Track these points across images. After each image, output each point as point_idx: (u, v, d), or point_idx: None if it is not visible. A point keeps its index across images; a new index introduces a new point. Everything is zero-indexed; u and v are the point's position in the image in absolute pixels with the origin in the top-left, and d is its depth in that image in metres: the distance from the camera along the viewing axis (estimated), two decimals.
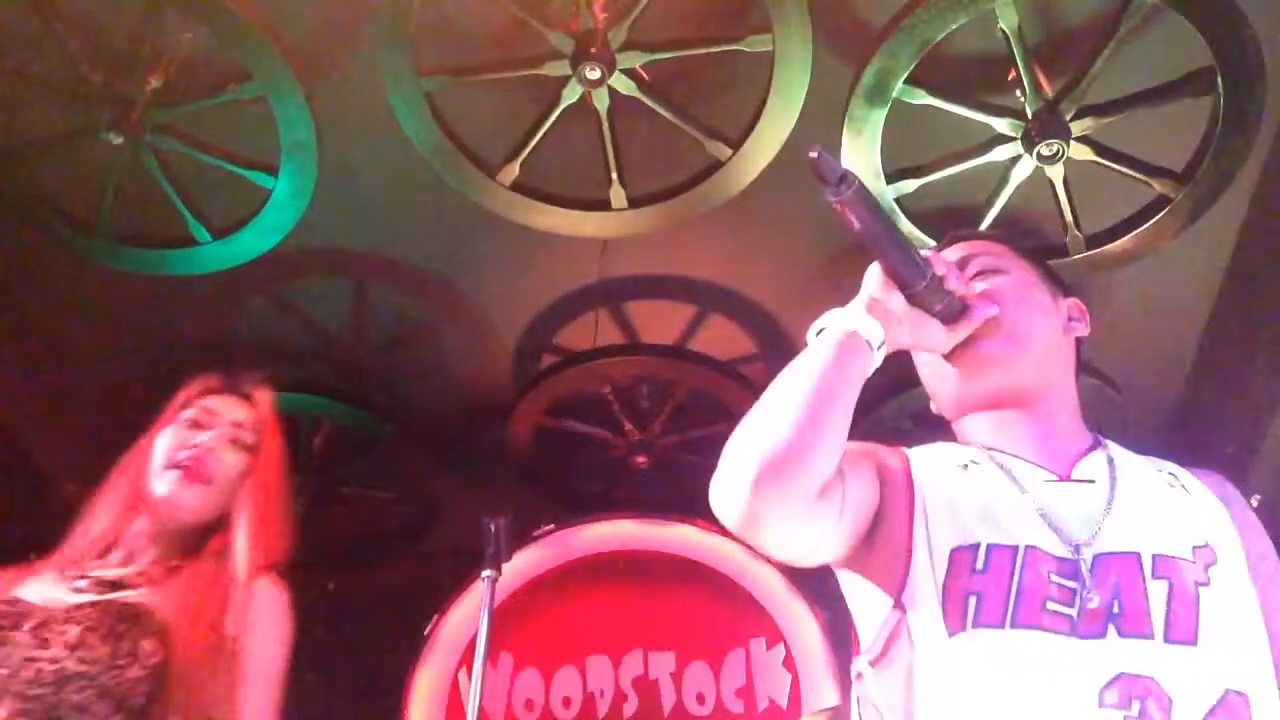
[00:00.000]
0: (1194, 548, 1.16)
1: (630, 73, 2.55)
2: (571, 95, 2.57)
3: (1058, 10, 2.64)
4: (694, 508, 3.87)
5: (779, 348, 3.66)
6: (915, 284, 1.20)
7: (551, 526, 3.78)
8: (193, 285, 3.12)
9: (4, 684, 1.44)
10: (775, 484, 1.07)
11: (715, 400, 3.54)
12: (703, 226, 2.98)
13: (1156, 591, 1.11)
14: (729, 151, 2.67)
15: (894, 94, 2.48)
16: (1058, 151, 2.51)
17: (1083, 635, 1.08)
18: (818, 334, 1.23)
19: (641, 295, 3.54)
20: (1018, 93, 2.52)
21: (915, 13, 2.36)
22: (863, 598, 1.22)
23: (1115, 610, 1.09)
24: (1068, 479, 1.23)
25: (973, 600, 1.10)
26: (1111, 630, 1.08)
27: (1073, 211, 2.70)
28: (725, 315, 3.58)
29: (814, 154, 1.17)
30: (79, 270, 3.06)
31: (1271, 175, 2.91)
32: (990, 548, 1.13)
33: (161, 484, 1.69)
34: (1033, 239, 2.95)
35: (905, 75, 2.45)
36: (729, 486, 1.11)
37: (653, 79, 2.60)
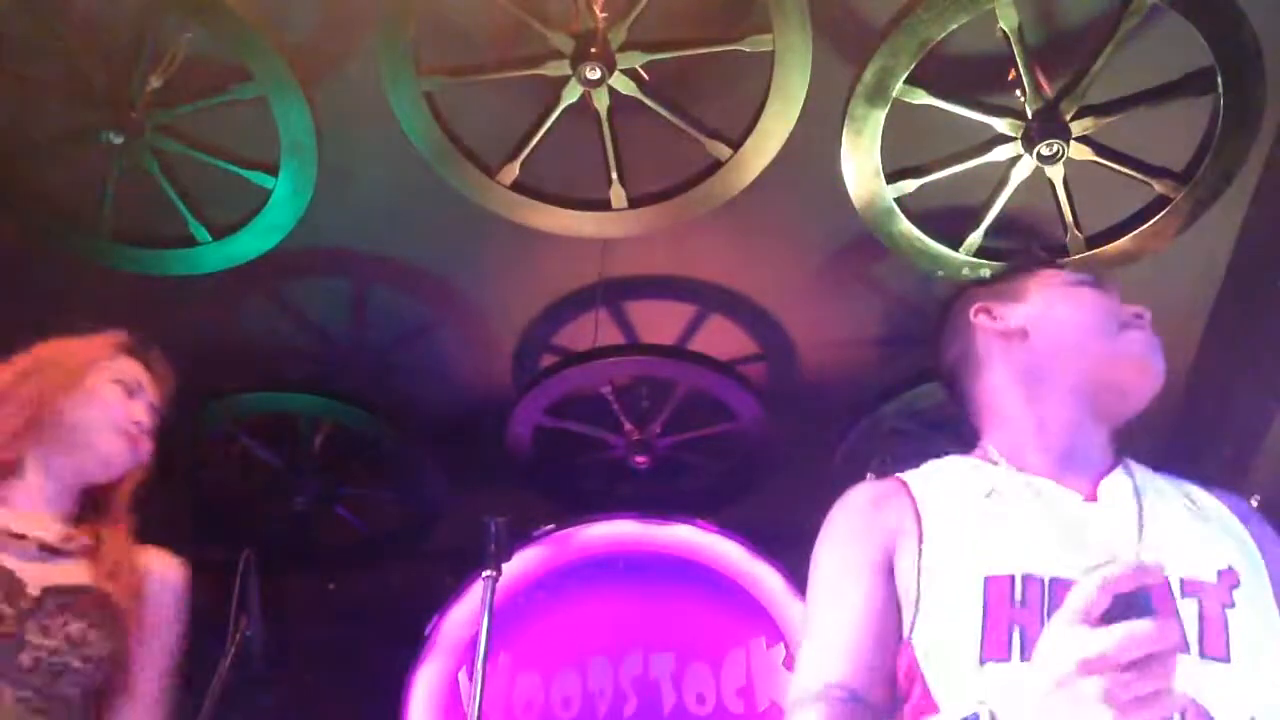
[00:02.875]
0: (1218, 571, 1.16)
1: (630, 73, 2.55)
2: (571, 95, 2.57)
3: (1058, 10, 2.64)
4: (694, 508, 3.87)
5: (779, 348, 3.66)
6: None
7: (551, 526, 3.77)
8: (193, 285, 3.12)
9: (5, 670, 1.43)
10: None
11: (715, 400, 3.54)
12: (703, 226, 2.98)
13: (1188, 609, 1.11)
14: (729, 151, 2.67)
15: (894, 94, 2.48)
16: (1058, 151, 2.51)
17: None
18: None
19: (641, 295, 3.54)
20: (1018, 93, 2.52)
21: (915, 12, 2.36)
22: None
23: None
24: (1093, 499, 1.23)
25: (1017, 632, 1.09)
26: None
27: (1073, 211, 2.70)
28: (725, 315, 3.58)
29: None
30: (79, 270, 3.06)
31: (1271, 175, 2.91)
32: (1025, 578, 1.13)
33: (108, 442, 1.69)
34: (1033, 239, 2.95)
35: (905, 75, 2.45)
36: None
37: (653, 79, 2.60)
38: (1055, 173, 2.60)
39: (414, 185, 2.94)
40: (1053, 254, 2.82)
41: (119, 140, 2.59)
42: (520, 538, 3.28)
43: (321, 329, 3.61)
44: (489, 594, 2.40)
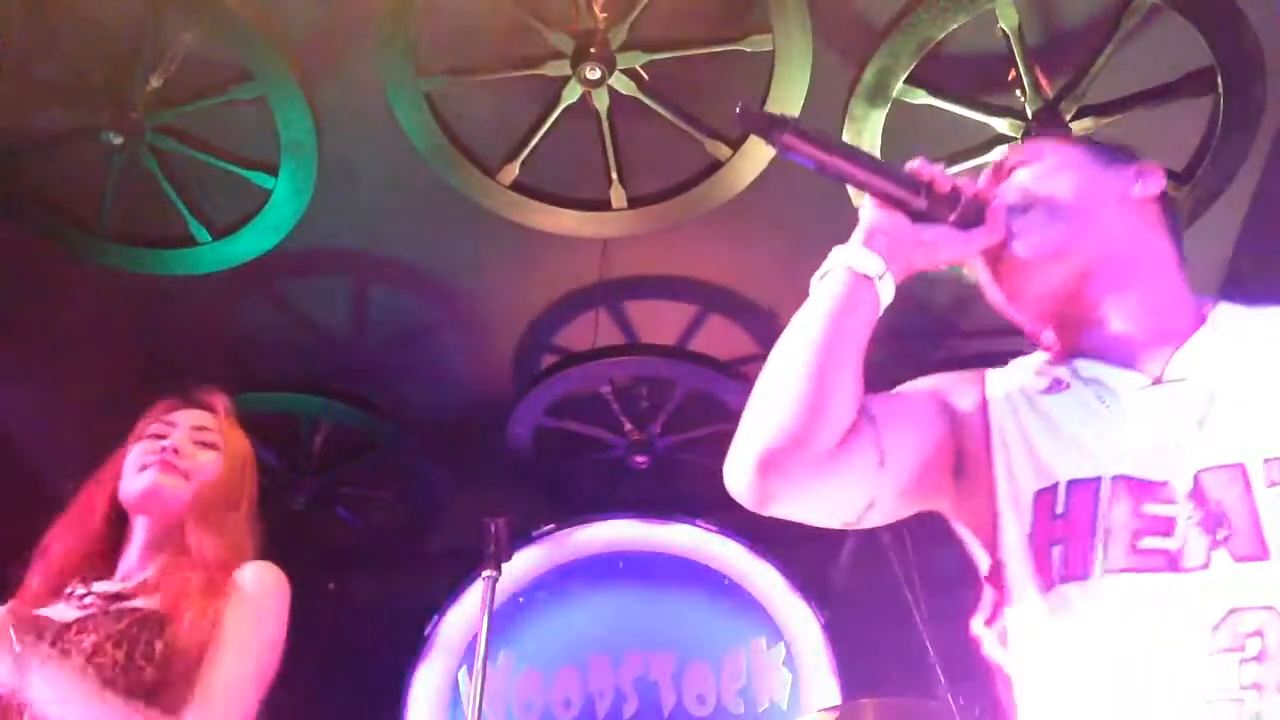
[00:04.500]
0: None
1: (630, 73, 2.55)
2: (571, 95, 2.57)
3: (1058, 10, 2.64)
4: (694, 508, 3.87)
5: None
6: (911, 200, 1.10)
7: (551, 526, 3.78)
8: (193, 285, 3.12)
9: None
10: (778, 459, 1.01)
11: (715, 400, 3.53)
12: (703, 226, 2.98)
13: (1270, 503, 0.93)
14: (729, 151, 2.67)
15: (894, 94, 2.48)
16: None
17: (1184, 569, 0.92)
18: (821, 278, 1.12)
19: (641, 295, 3.54)
20: (1018, 93, 2.52)
21: (915, 12, 2.36)
22: (973, 549, 1.10)
23: (1221, 534, 0.93)
24: (1161, 380, 1.04)
25: (1056, 551, 0.97)
26: (1218, 558, 0.92)
27: None
28: (725, 315, 3.58)
29: (738, 109, 1.12)
30: (79, 270, 3.06)
31: (1271, 175, 2.91)
32: (1070, 485, 0.99)
33: (139, 481, 1.74)
34: None
35: (905, 75, 2.46)
36: (735, 470, 1.05)
37: (653, 79, 2.60)
38: None
39: (414, 185, 2.94)
40: None
41: (119, 140, 2.59)
42: (520, 538, 3.28)
43: (321, 329, 3.61)
44: (489, 594, 2.40)
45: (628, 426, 3.67)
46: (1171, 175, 2.63)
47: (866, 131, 2.54)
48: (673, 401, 3.58)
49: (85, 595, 1.64)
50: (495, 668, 3.64)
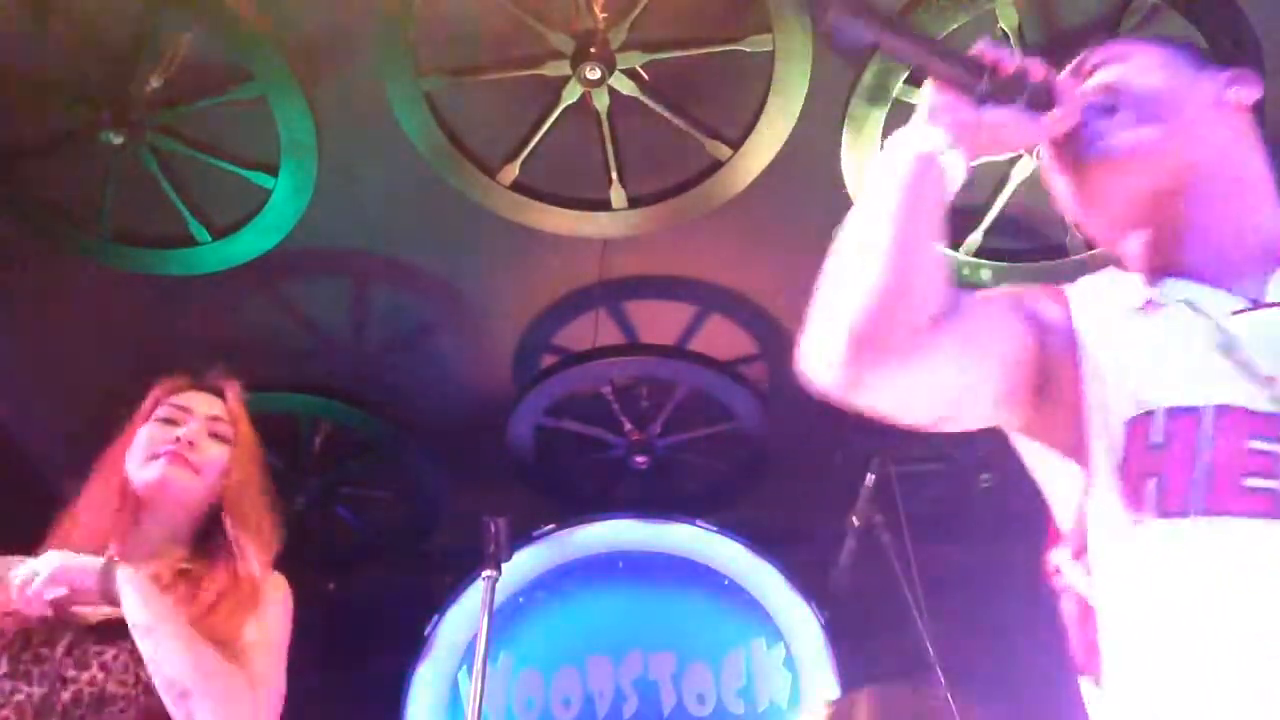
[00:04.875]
0: None
1: (630, 73, 2.55)
2: (571, 95, 2.57)
3: (1058, 10, 2.64)
4: (694, 508, 3.87)
5: (779, 348, 3.66)
6: (974, 83, 1.04)
7: (551, 526, 3.78)
8: (193, 285, 3.12)
9: (45, 703, 1.45)
10: (870, 333, 0.94)
11: (715, 400, 3.53)
12: (703, 226, 2.98)
13: None
14: (729, 151, 2.67)
15: (894, 94, 2.48)
16: None
17: None
18: (882, 166, 1.05)
19: (641, 295, 3.54)
20: None
21: (915, 12, 2.36)
22: (1051, 475, 1.03)
23: None
24: (1263, 303, 0.96)
25: (1151, 485, 0.89)
26: None
27: None
28: (725, 315, 3.58)
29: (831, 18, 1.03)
30: (79, 270, 3.06)
31: (1271, 175, 2.91)
32: (1169, 413, 0.90)
33: (147, 471, 1.71)
34: (1033, 239, 2.95)
35: (905, 75, 2.46)
36: (823, 350, 0.98)
37: (653, 79, 2.60)
38: None
39: (414, 185, 2.94)
40: (1053, 254, 2.83)
41: (119, 140, 2.59)
42: (520, 538, 3.28)
43: (321, 329, 3.61)
44: (489, 594, 2.40)
45: (628, 426, 3.67)
46: None
47: (866, 131, 2.54)
48: (673, 401, 3.58)
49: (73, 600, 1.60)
50: (495, 668, 3.64)
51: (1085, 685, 0.97)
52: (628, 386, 3.68)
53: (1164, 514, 0.87)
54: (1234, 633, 0.83)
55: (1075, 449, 0.98)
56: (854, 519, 3.22)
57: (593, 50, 2.46)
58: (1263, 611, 0.83)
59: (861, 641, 3.49)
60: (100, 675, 1.47)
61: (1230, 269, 1.00)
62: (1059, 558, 1.00)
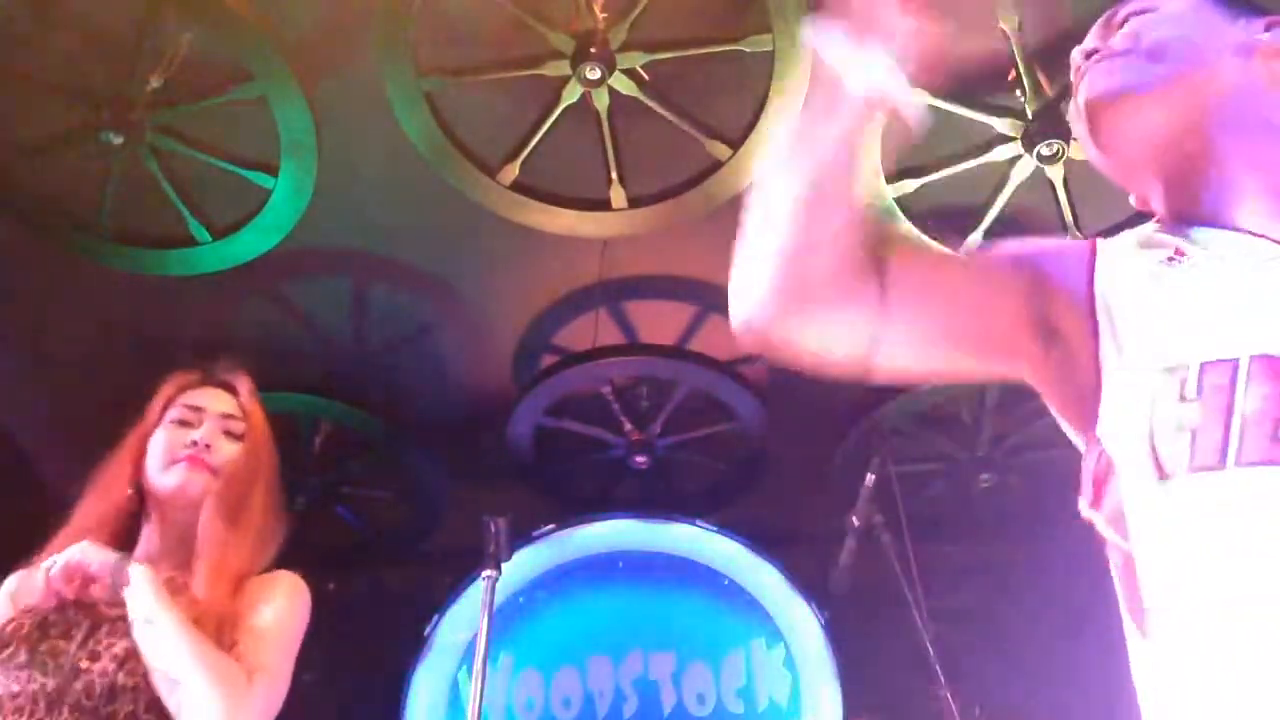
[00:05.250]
0: None
1: (630, 73, 2.55)
2: (571, 95, 2.57)
3: (1058, 10, 2.64)
4: (694, 508, 3.87)
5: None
6: None
7: (551, 526, 3.78)
8: (193, 285, 3.12)
9: (58, 693, 1.47)
10: (786, 288, 0.99)
11: (715, 400, 3.54)
12: (703, 226, 2.97)
13: None
14: (729, 151, 2.67)
15: None
16: (1058, 151, 2.51)
17: None
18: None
19: (641, 295, 3.54)
20: (1018, 93, 2.52)
21: None
22: (1066, 425, 1.03)
23: None
24: None
25: (1185, 438, 0.86)
26: None
27: (1073, 211, 2.70)
28: (725, 315, 3.55)
29: None
30: (79, 270, 3.06)
31: None
32: (1204, 366, 0.87)
33: (169, 478, 1.71)
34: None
35: None
36: (738, 306, 1.04)
37: (653, 79, 2.60)
38: (1055, 173, 2.60)
39: (414, 185, 2.94)
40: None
41: (119, 140, 2.59)
42: (520, 538, 3.28)
43: (321, 329, 3.61)
44: (489, 594, 2.41)
45: (628, 426, 3.67)
46: None
47: (866, 131, 2.54)
48: (673, 401, 3.58)
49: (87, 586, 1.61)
50: (495, 668, 3.64)
51: (1131, 633, 0.95)
52: (628, 386, 3.68)
53: (1197, 469, 0.85)
54: (1273, 581, 0.81)
55: (1084, 410, 0.97)
56: (854, 519, 3.22)
57: (593, 50, 2.46)
58: None
59: (861, 641, 3.49)
60: (112, 667, 1.49)
61: (1261, 214, 0.97)
62: (1083, 508, 0.99)
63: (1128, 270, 1.00)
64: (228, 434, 1.78)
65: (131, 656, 1.50)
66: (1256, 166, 1.01)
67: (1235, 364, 0.85)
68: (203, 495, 1.71)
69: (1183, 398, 0.87)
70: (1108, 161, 1.11)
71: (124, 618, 1.53)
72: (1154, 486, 0.87)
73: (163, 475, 1.71)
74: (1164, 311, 0.93)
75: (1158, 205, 1.09)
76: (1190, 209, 1.03)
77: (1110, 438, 0.92)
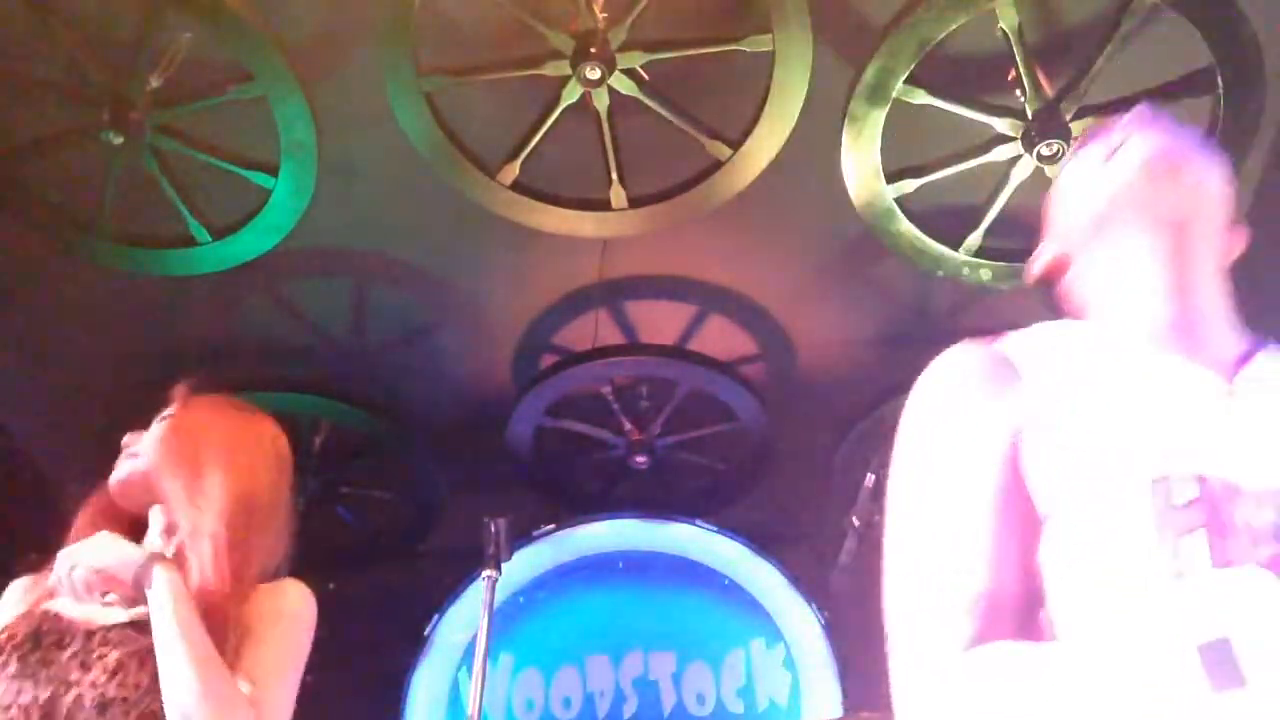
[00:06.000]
0: None
1: (630, 73, 2.55)
2: (571, 95, 2.57)
3: (1058, 10, 2.64)
4: (694, 508, 3.87)
5: (779, 348, 3.66)
6: None
7: (551, 526, 3.78)
8: (193, 285, 3.12)
9: (50, 705, 1.45)
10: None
11: (715, 400, 3.54)
12: (703, 226, 2.98)
13: None
14: (729, 151, 2.67)
15: (894, 94, 2.48)
16: (1058, 151, 2.51)
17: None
18: None
19: (641, 295, 3.54)
20: (1018, 93, 2.52)
21: (915, 12, 2.36)
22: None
23: None
24: (1232, 390, 1.02)
25: (1186, 540, 0.90)
26: None
27: None
28: (725, 315, 3.58)
29: None
30: (79, 270, 3.06)
31: (1271, 175, 2.91)
32: (1184, 478, 0.92)
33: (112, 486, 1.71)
34: (1033, 239, 2.95)
35: (905, 75, 2.45)
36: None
37: (653, 79, 2.60)
38: (1055, 173, 2.59)
39: (414, 185, 2.94)
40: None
41: (119, 140, 2.58)
42: (520, 538, 3.28)
43: (321, 329, 3.61)
44: (489, 594, 2.41)
45: (628, 426, 3.67)
46: None
47: (866, 131, 2.54)
48: (673, 401, 3.58)
49: (108, 592, 1.59)
50: (495, 668, 3.64)
51: None
52: (628, 386, 3.68)
53: (1182, 571, 0.88)
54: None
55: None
56: (854, 519, 3.22)
57: (593, 50, 2.46)
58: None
59: (862, 641, 3.49)
60: (102, 678, 1.47)
61: (1203, 354, 1.04)
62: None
63: (1076, 381, 1.03)
64: (159, 421, 1.76)
65: (123, 668, 1.47)
66: (1206, 298, 1.11)
67: (1202, 480, 0.91)
68: (131, 474, 1.69)
69: (1171, 504, 0.90)
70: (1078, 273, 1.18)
71: (120, 625, 1.51)
72: (1143, 588, 0.89)
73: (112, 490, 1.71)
74: (1123, 423, 0.97)
75: (1121, 319, 1.13)
76: (1147, 331, 1.09)
77: (1064, 549, 0.95)
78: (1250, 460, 0.93)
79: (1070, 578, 0.96)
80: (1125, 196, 1.11)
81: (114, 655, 1.48)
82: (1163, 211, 1.09)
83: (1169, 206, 1.09)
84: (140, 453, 1.72)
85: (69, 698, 1.45)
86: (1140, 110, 1.15)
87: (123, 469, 1.71)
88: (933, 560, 1.02)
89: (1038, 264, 1.23)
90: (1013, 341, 1.10)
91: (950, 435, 1.06)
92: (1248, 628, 0.81)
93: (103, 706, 1.45)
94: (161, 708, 1.45)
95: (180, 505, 1.63)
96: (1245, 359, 1.06)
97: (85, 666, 1.48)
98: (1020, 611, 0.98)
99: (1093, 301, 1.16)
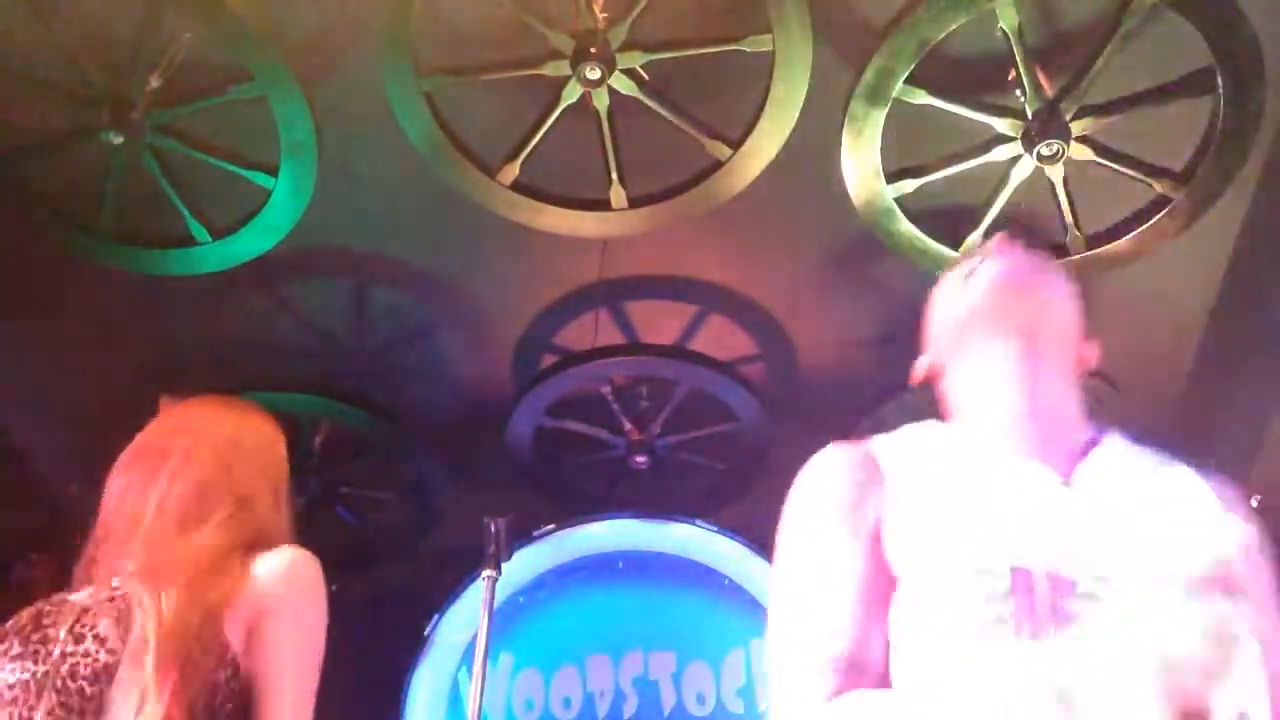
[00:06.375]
0: (1216, 560, 1.06)
1: (630, 73, 2.55)
2: (571, 95, 2.57)
3: (1058, 10, 2.64)
4: (694, 508, 3.87)
5: (779, 348, 3.66)
6: None
7: (551, 526, 3.78)
8: (193, 285, 3.12)
9: (46, 679, 1.48)
10: None
11: (715, 400, 3.54)
12: (703, 226, 2.98)
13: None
14: (729, 151, 2.67)
15: (894, 94, 2.48)
16: (1058, 151, 2.51)
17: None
18: None
19: (641, 295, 3.54)
20: (1018, 93, 2.52)
21: (915, 13, 2.36)
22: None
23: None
24: (1069, 482, 1.15)
25: (1003, 622, 1.06)
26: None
27: (1073, 211, 2.70)
28: (725, 315, 3.58)
29: None
30: (79, 270, 3.06)
31: (1271, 175, 2.91)
32: (1008, 568, 1.07)
33: None
34: (1033, 239, 2.95)
35: (905, 75, 2.45)
36: None
37: (653, 79, 2.60)
38: (1055, 173, 2.60)
39: (414, 185, 2.94)
40: (1053, 254, 2.83)
41: (119, 140, 2.59)
42: (520, 538, 3.28)
43: (321, 329, 3.61)
44: (489, 594, 2.40)
45: (628, 426, 3.67)
46: (1171, 175, 2.63)
47: (866, 131, 2.54)
48: (673, 401, 3.58)
49: (114, 575, 1.62)
50: (495, 668, 3.64)
51: None
52: (628, 386, 3.68)
53: (1016, 639, 1.03)
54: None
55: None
56: None
57: (593, 50, 2.46)
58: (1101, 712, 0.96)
59: None
60: (94, 647, 1.50)
61: (1042, 450, 1.18)
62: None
63: (928, 477, 1.18)
64: None
65: (110, 635, 1.50)
66: (1049, 408, 1.22)
67: (1028, 572, 1.06)
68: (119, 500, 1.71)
69: (994, 591, 1.06)
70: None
71: (112, 599, 1.55)
72: (971, 655, 1.04)
73: None
74: (964, 517, 1.12)
75: (971, 416, 1.27)
76: (993, 430, 1.23)
77: (907, 618, 1.10)
78: (1074, 549, 1.08)
79: (907, 642, 1.11)
80: (980, 310, 1.26)
81: (103, 623, 1.52)
82: (1012, 323, 1.23)
83: (1017, 318, 1.23)
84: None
85: (65, 668, 1.48)
86: (1000, 236, 1.34)
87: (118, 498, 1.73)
88: (804, 626, 1.18)
89: (917, 371, 1.37)
90: (879, 442, 1.25)
91: (822, 522, 1.21)
92: (1041, 705, 0.95)
93: (95, 675, 1.48)
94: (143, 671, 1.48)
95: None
96: (1085, 452, 1.19)
97: (79, 639, 1.51)
98: (882, 673, 1.11)
99: (957, 404, 1.29)
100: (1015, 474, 1.16)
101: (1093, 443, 1.21)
